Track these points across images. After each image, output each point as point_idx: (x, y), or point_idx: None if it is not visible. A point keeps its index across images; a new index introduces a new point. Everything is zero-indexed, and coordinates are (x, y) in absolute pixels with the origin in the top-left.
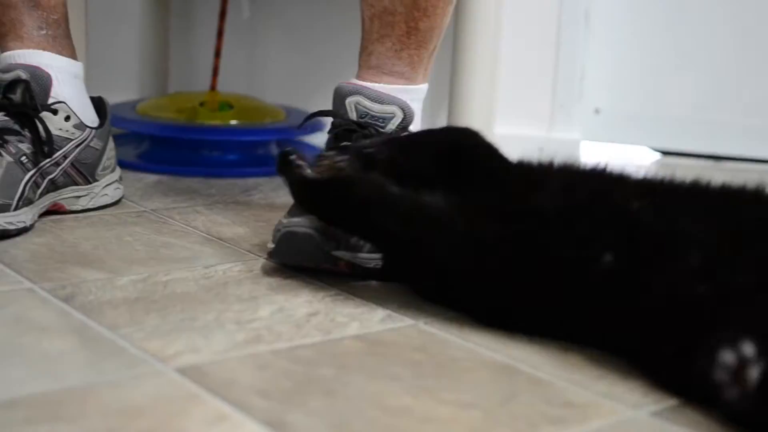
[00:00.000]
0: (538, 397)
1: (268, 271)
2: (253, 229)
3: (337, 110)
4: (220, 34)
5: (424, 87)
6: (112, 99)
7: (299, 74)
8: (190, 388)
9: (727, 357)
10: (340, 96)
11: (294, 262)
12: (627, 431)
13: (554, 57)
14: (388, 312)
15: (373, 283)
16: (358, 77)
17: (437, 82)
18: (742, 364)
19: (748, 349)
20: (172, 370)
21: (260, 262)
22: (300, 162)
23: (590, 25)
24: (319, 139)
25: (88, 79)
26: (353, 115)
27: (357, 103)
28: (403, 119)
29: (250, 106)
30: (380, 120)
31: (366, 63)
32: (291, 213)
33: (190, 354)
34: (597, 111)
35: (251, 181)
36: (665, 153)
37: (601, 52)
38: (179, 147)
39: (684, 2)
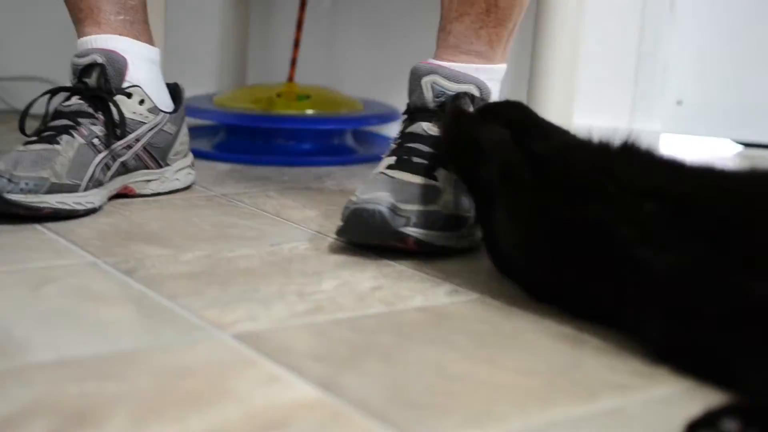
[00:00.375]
0: (602, 365)
1: (335, 250)
2: (323, 212)
3: (412, 90)
4: (299, 24)
5: (502, 67)
6: (190, 92)
7: (379, 66)
8: (245, 352)
9: None
10: (416, 76)
11: (361, 239)
12: (692, 399)
13: (637, 47)
14: (454, 287)
15: (442, 260)
16: (436, 57)
17: (516, 71)
18: None
19: (731, 425)
20: (228, 336)
21: (328, 241)
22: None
23: (675, 14)
24: (394, 129)
25: (166, 72)
26: (429, 95)
27: (433, 83)
28: (479, 99)
29: (328, 97)
30: None
31: (444, 42)
32: (362, 191)
33: (248, 322)
34: (679, 102)
35: (325, 170)
36: (747, 145)
37: (684, 42)
38: (254, 136)
39: None
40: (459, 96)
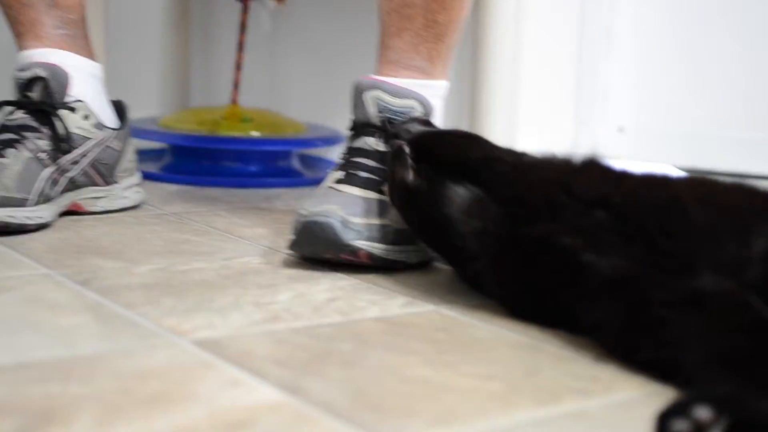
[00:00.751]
0: (562, 371)
1: (288, 264)
2: (274, 230)
3: (356, 106)
4: (240, 47)
5: (443, 83)
6: (132, 114)
7: (320, 89)
8: (205, 357)
9: (680, 426)
10: (359, 91)
11: (313, 252)
12: (653, 402)
13: (576, 74)
14: (409, 299)
15: (395, 274)
16: (377, 72)
17: (457, 98)
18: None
19: (703, 413)
20: (187, 342)
21: (280, 255)
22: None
23: (612, 42)
24: (339, 151)
25: (108, 94)
26: (372, 110)
27: (376, 98)
28: (422, 114)
29: (271, 120)
30: (399, 114)
31: (384, 58)
32: (312, 204)
33: (206, 329)
34: (621, 129)
35: (273, 191)
36: (690, 171)
37: (623, 69)
38: (200, 158)
39: (707, 18)
40: (399, 151)
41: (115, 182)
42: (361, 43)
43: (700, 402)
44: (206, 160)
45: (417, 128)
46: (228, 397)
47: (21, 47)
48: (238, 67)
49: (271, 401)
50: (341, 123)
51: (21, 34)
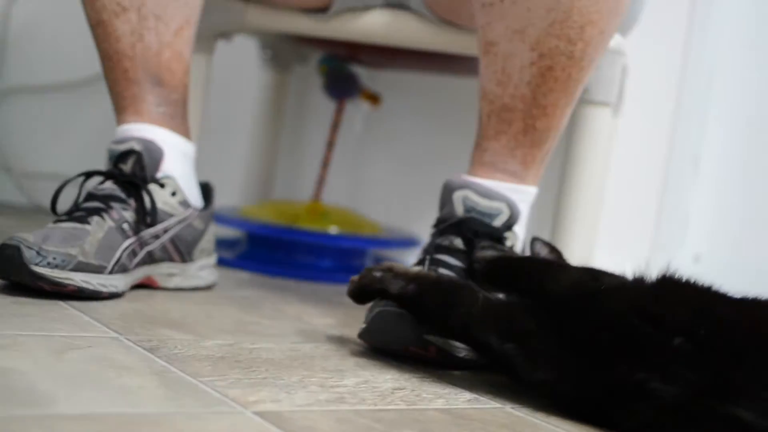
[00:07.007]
0: None
1: (355, 352)
2: (344, 321)
3: (444, 204)
4: (330, 145)
5: (533, 190)
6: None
7: (402, 193)
8: (268, 427)
9: None
10: (448, 190)
11: (383, 343)
12: None
13: (659, 199)
14: (475, 395)
15: (462, 372)
16: (469, 172)
17: (542, 207)
18: None
19: None
20: (251, 413)
21: (349, 344)
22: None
23: (699, 169)
24: (413, 255)
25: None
26: (460, 210)
27: (465, 198)
28: (509, 217)
29: (350, 218)
30: (486, 216)
31: (479, 159)
32: None
33: (270, 403)
34: (697, 258)
35: (344, 287)
36: None
37: (706, 197)
38: (276, 248)
39: None
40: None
41: (192, 261)
42: (446, 152)
43: None
44: (281, 251)
45: (489, 252)
46: None
47: (120, 121)
48: (326, 164)
49: None
50: (418, 228)
51: (122, 109)
